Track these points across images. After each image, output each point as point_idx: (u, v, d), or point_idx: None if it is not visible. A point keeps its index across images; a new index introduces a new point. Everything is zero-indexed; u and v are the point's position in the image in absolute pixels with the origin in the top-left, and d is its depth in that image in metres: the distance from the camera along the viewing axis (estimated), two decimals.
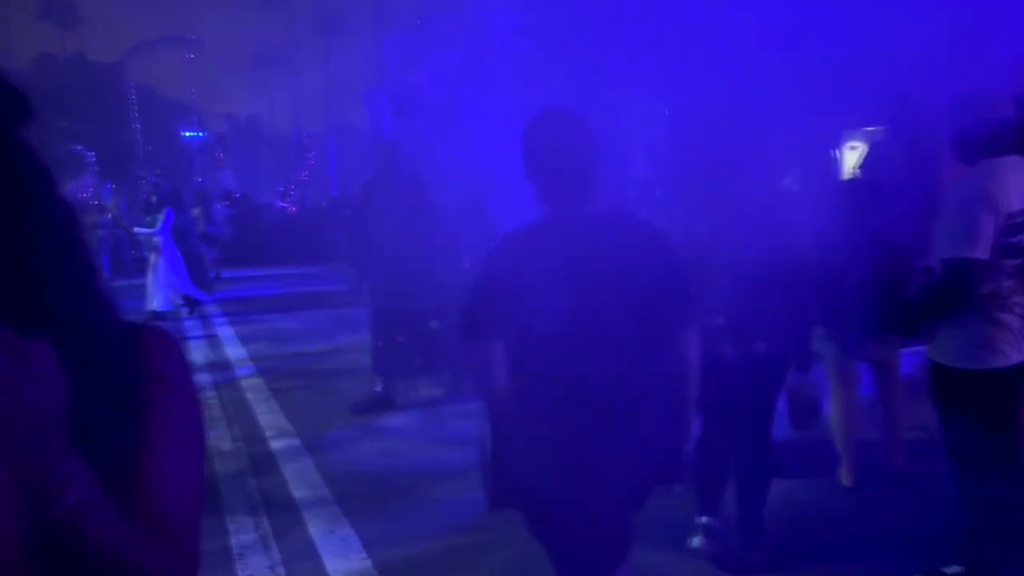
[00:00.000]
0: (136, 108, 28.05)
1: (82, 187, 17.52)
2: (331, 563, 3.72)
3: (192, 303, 11.42)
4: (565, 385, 2.01)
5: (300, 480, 4.82)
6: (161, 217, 11.02)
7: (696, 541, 3.52)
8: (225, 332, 10.32)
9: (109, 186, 22.15)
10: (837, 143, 7.92)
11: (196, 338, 9.93)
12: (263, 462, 5.21)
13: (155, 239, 10.98)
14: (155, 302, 10.81)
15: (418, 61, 16.76)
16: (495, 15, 12.17)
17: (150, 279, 10.95)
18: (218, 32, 57.81)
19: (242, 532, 4.11)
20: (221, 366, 8.26)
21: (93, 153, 18.52)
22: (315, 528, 4.11)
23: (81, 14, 56.51)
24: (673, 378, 2.13)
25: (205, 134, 33.05)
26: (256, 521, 4.24)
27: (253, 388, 7.26)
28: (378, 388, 6.35)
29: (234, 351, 9.04)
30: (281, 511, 4.35)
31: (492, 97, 9.41)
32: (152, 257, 11.01)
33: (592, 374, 1.99)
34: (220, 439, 5.77)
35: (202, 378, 7.76)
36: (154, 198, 11.61)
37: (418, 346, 6.39)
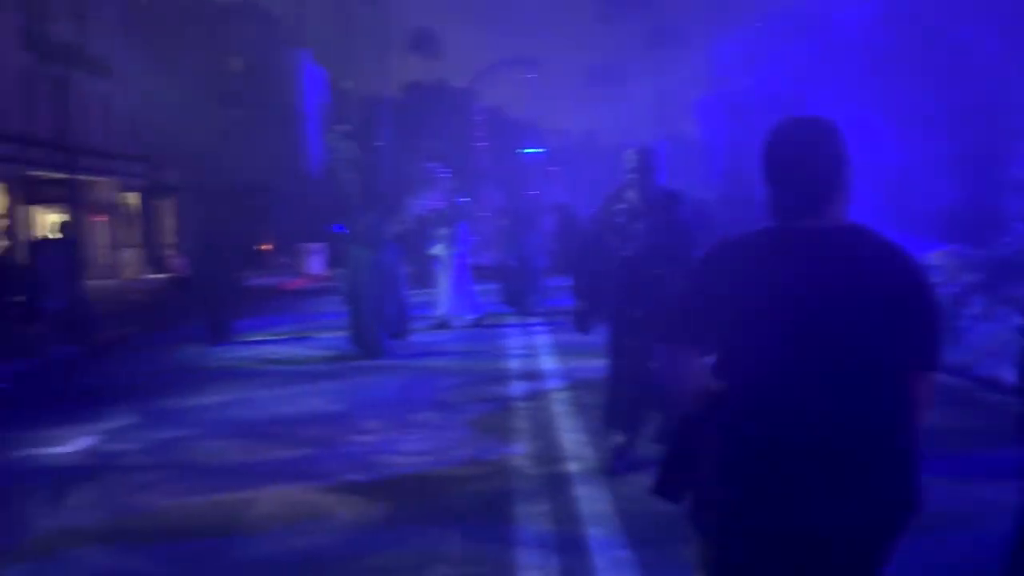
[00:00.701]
0: (483, 128, 30.29)
1: (434, 201, 19.33)
2: None
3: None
4: (773, 406, 1.94)
5: (590, 504, 4.63)
6: (452, 232, 11.58)
7: None
8: (543, 342, 10.39)
9: (459, 200, 23.90)
10: None
11: (514, 346, 10.10)
12: (558, 482, 5.04)
13: (444, 252, 11.60)
14: (451, 307, 11.48)
15: (754, 61, 15.81)
16: (844, 5, 11.00)
17: (444, 287, 11.67)
18: (559, 53, 60.89)
19: (527, 553, 4.05)
20: (534, 376, 8.24)
21: (449, 171, 20.27)
22: (600, 557, 3.97)
23: (445, 45, 63.30)
24: (892, 421, 1.95)
25: (544, 150, 34.67)
26: (542, 542, 4.18)
27: (562, 402, 7.10)
28: None
29: (549, 362, 9.01)
30: (568, 535, 4.25)
31: (840, 93, 8.40)
32: (443, 269, 11.58)
33: (803, 400, 1.92)
34: (520, 455, 5.62)
35: (514, 388, 7.79)
36: (447, 214, 12.08)
37: None
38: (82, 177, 23.86)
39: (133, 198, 26.83)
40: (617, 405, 5.04)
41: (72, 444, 6.54)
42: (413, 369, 8.89)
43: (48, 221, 21.63)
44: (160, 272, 25.59)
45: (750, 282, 1.97)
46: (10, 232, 20.05)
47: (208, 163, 33.06)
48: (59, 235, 12.55)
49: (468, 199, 27.67)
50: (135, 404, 7.82)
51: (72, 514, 4.95)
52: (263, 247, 20.55)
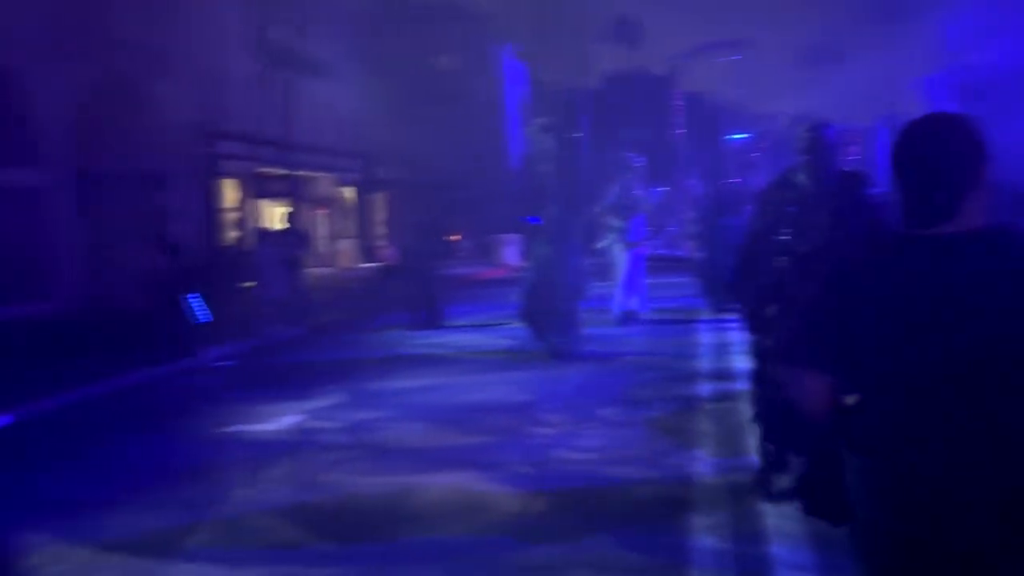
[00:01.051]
0: (682, 114, 29.47)
1: (629, 191, 19.27)
2: None
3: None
4: (914, 428, 1.83)
5: (777, 520, 4.27)
6: (626, 224, 11.15)
7: None
8: (737, 339, 9.89)
9: (656, 191, 23.55)
10: None
11: (705, 343, 9.69)
12: (741, 493, 4.73)
13: (617, 245, 11.20)
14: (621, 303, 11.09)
15: (991, 35, 14.16)
16: None
17: (617, 281, 11.28)
18: (768, 32, 57.98)
19: (702, 569, 3.85)
20: (724, 376, 7.84)
21: (643, 159, 20.00)
22: (785, 572, 3.77)
23: (647, 30, 62.36)
24: None
25: (749, 135, 33.19)
26: (719, 558, 3.95)
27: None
28: None
29: (742, 361, 8.54)
30: (749, 552, 4.01)
31: None
32: (616, 262, 11.25)
33: (947, 420, 1.80)
34: (702, 460, 5.33)
35: (702, 388, 7.45)
36: (622, 205, 11.55)
37: None
38: (304, 173, 25.83)
39: (349, 192, 28.71)
40: (770, 418, 4.42)
41: (278, 421, 7.05)
42: (597, 363, 8.77)
43: (275, 214, 23.67)
44: (372, 262, 27.19)
45: (875, 298, 1.85)
46: (241, 224, 22.11)
47: (417, 159, 34.75)
48: (286, 226, 13.74)
49: (667, 188, 27.04)
50: (341, 385, 8.31)
51: (262, 487, 5.32)
52: (454, 237, 21.36)
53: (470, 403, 7.36)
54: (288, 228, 14.48)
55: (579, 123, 38.60)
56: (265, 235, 12.38)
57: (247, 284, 20.25)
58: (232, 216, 21.84)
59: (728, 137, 34.77)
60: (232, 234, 21.64)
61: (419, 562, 4.08)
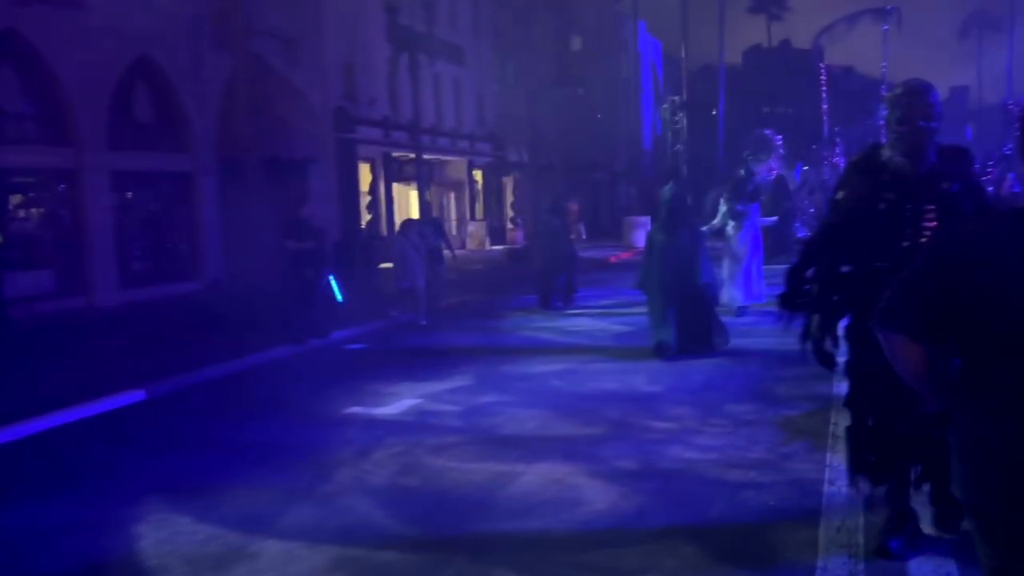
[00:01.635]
0: (826, 88, 27.81)
1: (768, 169, 18.51)
2: None
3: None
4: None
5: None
6: (742, 209, 10.38)
7: None
8: None
9: (800, 167, 22.39)
10: None
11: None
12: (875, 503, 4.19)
13: (731, 231, 10.47)
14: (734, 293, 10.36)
15: None
16: None
17: (729, 270, 10.62)
18: (919, 2, 54.01)
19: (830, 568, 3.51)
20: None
21: (780, 137, 19.00)
22: None
23: (791, 3, 59.38)
24: None
25: None
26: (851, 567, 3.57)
27: None
28: None
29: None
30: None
31: None
32: (730, 249, 10.52)
33: None
34: (836, 467, 4.84)
35: (843, 387, 6.86)
36: (749, 188, 10.72)
37: None
38: (436, 157, 26.17)
39: (479, 175, 28.90)
40: (863, 446, 3.68)
41: (396, 404, 7.05)
42: (726, 356, 8.27)
43: (408, 197, 24.14)
44: (501, 244, 27.28)
45: (996, 266, 1.82)
46: (374, 207, 22.63)
47: (547, 140, 34.57)
48: (421, 216, 13.74)
49: (808, 168, 25.57)
50: (464, 369, 8.27)
51: (366, 469, 5.28)
52: (574, 217, 20.91)
53: (591, 392, 7.11)
54: (426, 219, 14.69)
55: (715, 101, 37.28)
56: (405, 226, 12.31)
57: (383, 265, 20.77)
58: (367, 199, 22.41)
59: (877, 114, 32.55)
60: (367, 217, 22.21)
61: (508, 552, 3.90)
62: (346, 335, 10.78)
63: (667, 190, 8.80)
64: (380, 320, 11.89)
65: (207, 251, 16.66)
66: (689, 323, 8.39)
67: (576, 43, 42.72)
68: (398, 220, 20.98)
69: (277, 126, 18.27)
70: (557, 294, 12.81)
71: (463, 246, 26.71)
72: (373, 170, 22.50)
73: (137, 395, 7.60)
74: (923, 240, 3.31)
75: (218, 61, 16.69)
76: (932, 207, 3.38)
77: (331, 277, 10.42)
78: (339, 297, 10.51)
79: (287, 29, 18.83)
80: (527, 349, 9.35)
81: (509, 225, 29.69)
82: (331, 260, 10.18)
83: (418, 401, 7.09)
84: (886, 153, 3.49)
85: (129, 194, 15.84)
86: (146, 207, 16.37)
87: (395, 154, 22.79)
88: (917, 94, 3.33)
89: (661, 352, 8.31)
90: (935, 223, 3.35)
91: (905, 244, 3.34)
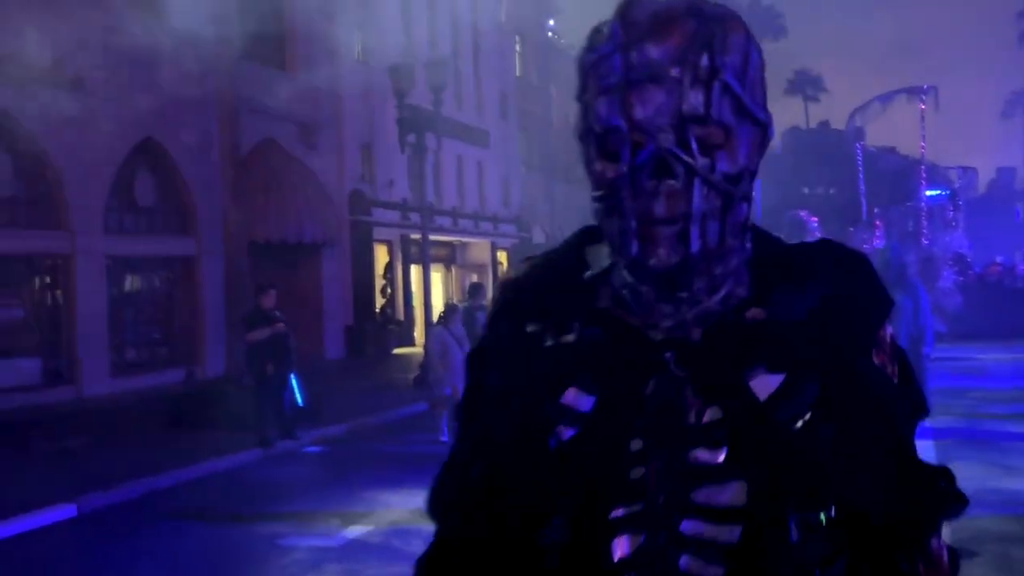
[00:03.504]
0: (863, 169, 26.83)
1: None
2: None
3: None
4: None
5: None
6: None
7: None
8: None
9: None
10: None
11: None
12: None
13: None
14: None
15: None
16: None
17: None
18: (958, 82, 53.22)
19: None
20: None
21: (816, 219, 18.11)
22: None
23: (827, 84, 59.01)
24: None
25: (946, 192, 29.83)
26: None
27: None
28: None
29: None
30: None
31: None
32: None
33: None
34: None
35: None
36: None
37: None
38: (458, 239, 25.60)
39: (503, 256, 28.23)
40: None
41: (331, 534, 6.04)
42: None
43: (432, 280, 23.45)
44: None
45: None
46: (389, 289, 21.91)
47: (577, 220, 33.95)
48: (466, 302, 10.43)
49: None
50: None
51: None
52: None
53: None
54: (481, 304, 10.18)
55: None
56: (448, 313, 9.18)
57: (399, 351, 19.99)
58: (383, 282, 21.77)
59: (924, 194, 31.46)
60: (382, 301, 21.52)
61: None
62: (325, 433, 9.85)
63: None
64: (385, 413, 10.93)
65: (208, 339, 15.99)
66: None
67: None
68: (416, 303, 20.31)
69: (289, 209, 17.85)
70: None
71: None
72: (390, 252, 21.92)
73: (68, 511, 6.70)
74: None
75: (228, 143, 16.38)
76: None
77: (291, 375, 9.36)
78: (298, 399, 9.52)
79: (303, 112, 18.59)
80: None
81: None
82: (293, 355, 9.12)
83: (361, 532, 6.06)
84: None
85: (126, 280, 15.34)
86: (144, 293, 15.84)
87: (414, 236, 22.19)
88: None
89: None
90: None
91: None
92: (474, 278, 27.28)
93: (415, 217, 21.66)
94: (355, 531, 6.10)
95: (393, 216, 21.31)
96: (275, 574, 5.26)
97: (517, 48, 31.91)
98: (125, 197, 14.92)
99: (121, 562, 5.62)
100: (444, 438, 8.87)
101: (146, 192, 15.32)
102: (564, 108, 35.93)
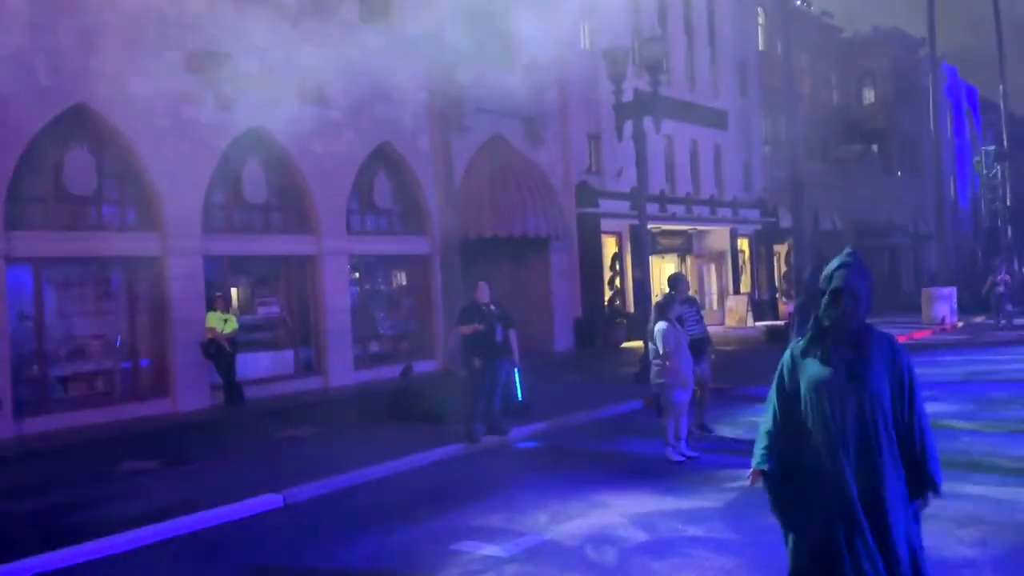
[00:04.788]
0: None
1: None
2: None
3: None
4: None
5: None
6: None
7: None
8: None
9: None
10: None
11: None
12: None
13: None
14: None
15: None
16: None
17: None
18: None
19: None
20: None
21: None
22: None
23: None
24: None
25: None
26: None
27: None
28: None
29: None
30: None
31: None
32: None
33: None
34: None
35: None
36: None
37: None
38: (693, 227, 24.59)
39: (744, 244, 26.72)
40: None
41: (517, 540, 5.84)
42: None
43: (660, 269, 22.81)
44: (769, 320, 24.80)
45: None
46: (619, 282, 21.51)
47: (833, 203, 31.33)
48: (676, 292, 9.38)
49: None
50: (662, 485, 6.89)
51: None
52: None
53: None
54: (680, 296, 8.97)
55: None
56: (666, 304, 8.26)
57: (628, 344, 19.59)
58: (610, 274, 21.44)
59: None
60: (609, 293, 21.21)
61: None
62: (545, 427, 9.77)
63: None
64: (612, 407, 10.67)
65: (439, 333, 16.66)
66: None
67: (869, 96, 38.84)
68: (655, 295, 19.57)
69: (517, 204, 18.11)
70: None
71: (722, 322, 24.59)
72: (619, 243, 21.53)
73: (275, 500, 7.15)
74: None
75: (457, 143, 16.94)
76: None
77: (515, 370, 9.33)
78: (519, 395, 9.39)
79: (528, 107, 18.76)
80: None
81: (781, 298, 26.97)
82: (511, 351, 9.07)
83: (542, 540, 5.80)
84: None
85: (367, 278, 16.38)
86: (383, 290, 16.82)
87: (651, 226, 21.61)
88: None
89: None
90: None
91: None
92: (712, 268, 26.09)
93: (648, 207, 21.11)
94: (538, 537, 5.86)
95: (622, 206, 20.90)
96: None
97: (760, 20, 30.04)
98: (365, 200, 15.92)
99: (292, 557, 5.81)
100: (675, 456, 7.85)
101: (383, 194, 16.24)
102: (815, 82, 33.31)
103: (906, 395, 3.19)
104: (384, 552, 5.79)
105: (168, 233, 12.63)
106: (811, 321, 3.37)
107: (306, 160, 14.49)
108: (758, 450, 3.40)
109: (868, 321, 3.30)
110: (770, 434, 3.39)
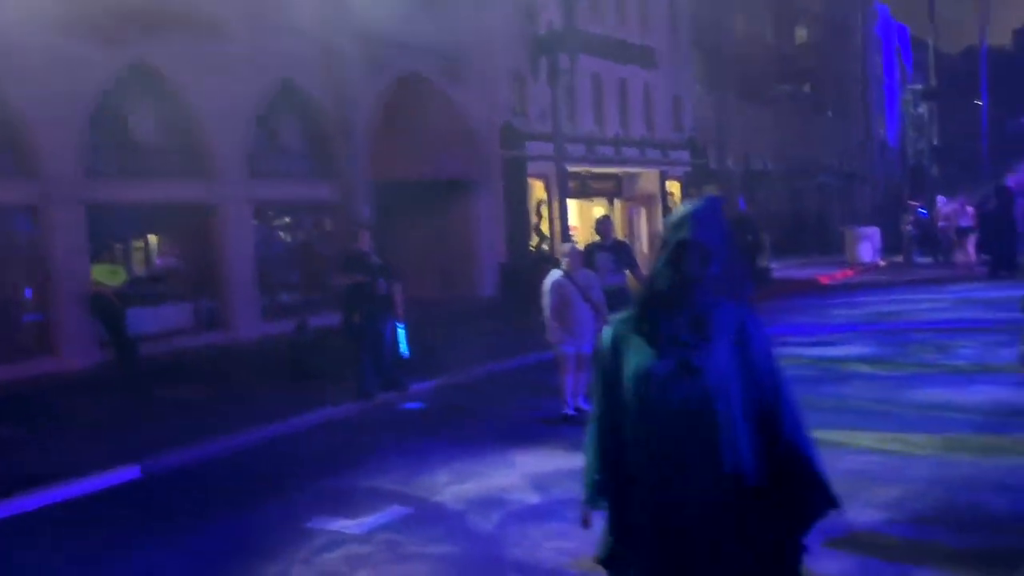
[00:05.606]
0: None
1: None
2: None
3: None
4: None
5: None
6: None
7: None
8: None
9: None
10: None
11: None
12: None
13: None
14: None
15: None
16: None
17: None
18: None
19: None
20: None
21: None
22: None
23: None
24: None
25: None
26: None
27: None
28: None
29: None
30: None
31: None
32: None
33: None
34: None
35: None
36: None
37: None
38: (622, 169, 24.13)
39: (675, 187, 26.39)
40: None
41: (372, 514, 5.34)
42: None
43: (588, 213, 22.36)
44: None
45: None
46: (545, 227, 21.02)
47: (760, 144, 31.18)
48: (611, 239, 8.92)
49: None
50: (549, 445, 6.43)
51: None
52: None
53: None
54: (615, 241, 8.92)
55: (976, 89, 31.70)
56: (572, 255, 7.60)
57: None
58: (538, 219, 20.90)
59: None
60: (536, 239, 20.70)
61: None
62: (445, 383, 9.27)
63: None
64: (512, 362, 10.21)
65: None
66: None
67: (801, 35, 38.55)
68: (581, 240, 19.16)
69: (436, 147, 17.32)
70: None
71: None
72: (547, 188, 20.94)
73: (133, 472, 6.51)
74: None
75: (367, 80, 15.99)
76: None
77: (398, 325, 8.65)
78: (404, 349, 8.82)
79: (448, 43, 17.84)
80: None
81: None
82: (391, 303, 8.37)
83: (403, 512, 5.33)
84: None
85: (271, 224, 15.51)
86: (289, 238, 15.98)
87: (573, 169, 21.04)
88: None
89: None
90: None
91: None
92: (642, 211, 25.74)
93: (573, 149, 20.49)
94: (424, 502, 5.40)
95: (549, 149, 20.24)
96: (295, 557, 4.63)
97: None
98: (266, 142, 14.96)
99: (128, 540, 5.25)
100: (569, 411, 7.39)
101: (288, 136, 15.29)
102: (748, 20, 32.85)
103: (768, 396, 2.28)
104: (238, 532, 5.24)
105: (45, 178, 11.60)
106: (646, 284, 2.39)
107: (199, 98, 13.44)
108: (587, 478, 2.45)
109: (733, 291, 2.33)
110: (599, 450, 2.42)
